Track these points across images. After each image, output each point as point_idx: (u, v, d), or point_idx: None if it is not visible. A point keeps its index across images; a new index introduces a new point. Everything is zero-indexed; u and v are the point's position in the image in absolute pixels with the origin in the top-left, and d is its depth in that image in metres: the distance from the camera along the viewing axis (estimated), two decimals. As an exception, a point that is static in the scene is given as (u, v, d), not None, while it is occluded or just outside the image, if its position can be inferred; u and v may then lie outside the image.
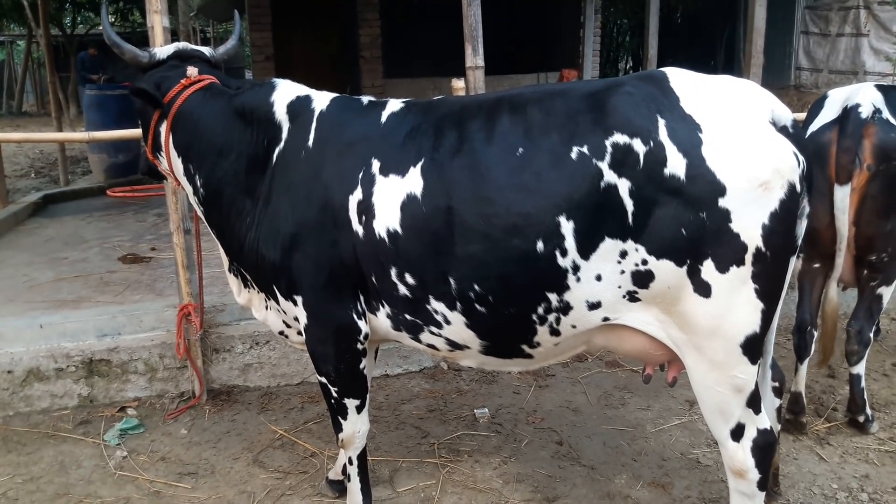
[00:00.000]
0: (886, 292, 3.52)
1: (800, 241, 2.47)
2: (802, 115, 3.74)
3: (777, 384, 2.82)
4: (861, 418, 3.67)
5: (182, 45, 2.93)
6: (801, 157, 2.31)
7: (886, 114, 3.33)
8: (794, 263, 2.52)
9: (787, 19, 15.97)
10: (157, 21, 3.76)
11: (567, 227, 2.31)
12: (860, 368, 3.63)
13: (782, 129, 2.34)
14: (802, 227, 2.45)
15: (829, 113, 3.49)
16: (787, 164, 2.26)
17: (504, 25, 12.91)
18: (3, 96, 24.63)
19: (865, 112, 3.31)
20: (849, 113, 3.35)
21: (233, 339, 4.16)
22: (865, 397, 3.68)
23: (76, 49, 19.00)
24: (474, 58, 4.15)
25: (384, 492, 3.29)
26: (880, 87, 3.49)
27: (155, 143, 2.92)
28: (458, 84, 4.24)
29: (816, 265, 3.59)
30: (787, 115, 2.39)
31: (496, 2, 12.67)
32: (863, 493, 3.22)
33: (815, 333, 3.66)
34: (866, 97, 3.38)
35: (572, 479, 3.36)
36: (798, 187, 2.29)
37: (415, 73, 12.31)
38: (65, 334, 4.09)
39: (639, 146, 2.26)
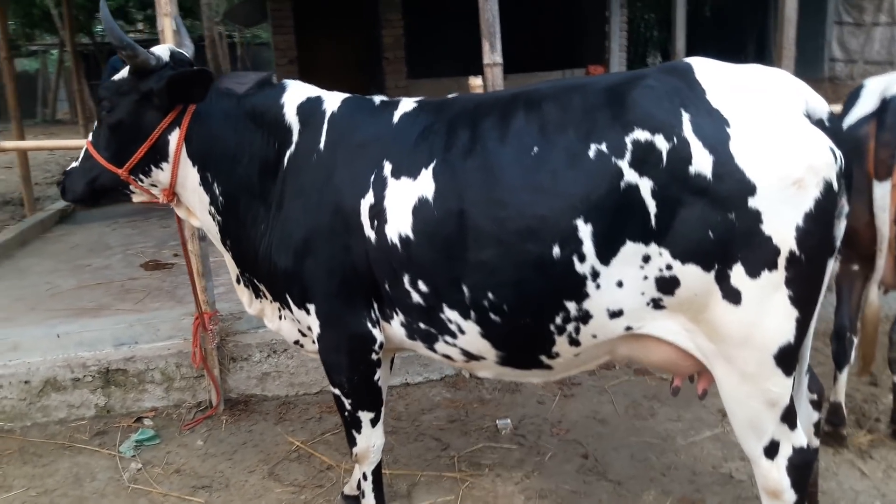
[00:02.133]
0: (932, 296, 3.33)
1: (838, 243, 2.31)
2: (838, 108, 3.54)
3: (815, 396, 2.65)
4: (905, 429, 3.48)
5: (172, 47, 2.83)
6: (838, 153, 2.14)
7: None
8: (832, 266, 2.35)
9: (820, 9, 15.55)
10: (167, 24, 3.69)
11: (585, 230, 2.17)
12: (903, 376, 3.44)
13: (818, 123, 2.18)
14: (841, 227, 2.28)
15: (866, 105, 3.29)
16: (822, 161, 2.10)
17: (528, 22, 12.77)
18: (37, 105, 25.05)
19: None
20: (888, 104, 3.16)
21: (250, 347, 4.08)
22: (911, 407, 3.49)
23: (106, 57, 19.25)
24: (492, 54, 4.04)
25: (402, 507, 3.19)
26: None
27: (152, 156, 2.71)
28: (476, 82, 4.13)
29: (855, 267, 3.40)
30: (822, 108, 2.23)
31: (522, -1, 12.59)
32: (909, 510, 3.04)
33: (855, 340, 3.46)
34: None
35: (598, 494, 3.22)
36: (835, 185, 2.12)
37: (438, 74, 12.19)
38: (82, 343, 4.05)
39: (661, 143, 2.12)
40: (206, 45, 14.95)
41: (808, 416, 2.62)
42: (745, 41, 19.34)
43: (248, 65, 23.37)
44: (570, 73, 13.26)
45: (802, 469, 2.31)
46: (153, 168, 2.74)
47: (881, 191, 3.11)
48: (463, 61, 10.42)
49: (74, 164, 2.83)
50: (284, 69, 12.31)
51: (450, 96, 2.67)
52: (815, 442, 2.68)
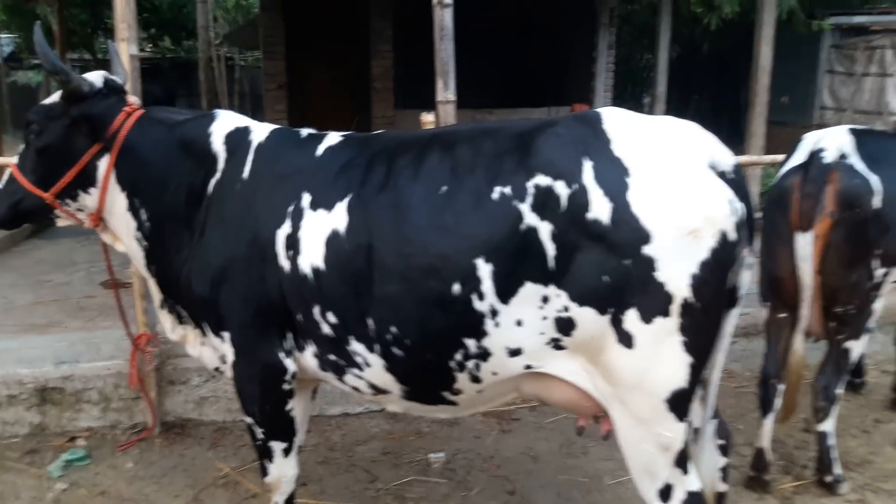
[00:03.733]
0: (855, 346, 3.37)
1: (742, 292, 2.36)
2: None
3: (723, 442, 2.68)
4: (829, 478, 3.49)
5: (106, 74, 2.88)
6: (738, 205, 2.20)
7: (854, 159, 3.20)
8: (734, 314, 2.39)
9: (812, 58, 15.80)
10: (124, 49, 3.76)
11: (485, 269, 2.22)
12: (827, 426, 3.47)
13: (721, 175, 2.24)
14: (744, 277, 2.33)
15: (797, 157, 3.37)
16: (720, 212, 2.15)
17: (517, 58, 12.96)
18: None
19: (830, 157, 3.20)
20: (813, 158, 3.24)
21: (189, 370, 4.10)
22: (834, 456, 3.50)
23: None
24: (445, 92, 4.12)
25: (321, 538, 3.19)
26: (854, 131, 3.37)
27: (80, 181, 2.74)
28: (428, 118, 4.19)
29: (782, 315, 3.45)
30: (727, 161, 2.29)
31: (510, 35, 12.79)
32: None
33: (780, 387, 3.50)
34: (833, 142, 3.26)
35: (518, 531, 3.23)
36: (733, 236, 2.17)
37: (424, 105, 12.31)
38: (21, 360, 4.06)
39: (561, 189, 2.18)
40: (202, 67, 15.12)
41: (714, 461, 2.64)
42: (740, 82, 19.61)
43: (245, 87, 23.56)
44: (557, 111, 13.43)
45: (694, 514, 2.34)
46: (80, 193, 2.77)
47: (803, 241, 3.17)
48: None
49: None
50: (273, 94, 12.44)
51: (375, 133, 2.73)
52: (723, 486, 2.70)
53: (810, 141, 3.38)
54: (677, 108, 16.14)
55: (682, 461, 2.31)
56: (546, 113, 13.38)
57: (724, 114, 16.42)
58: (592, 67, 13.23)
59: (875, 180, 3.13)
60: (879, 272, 3.22)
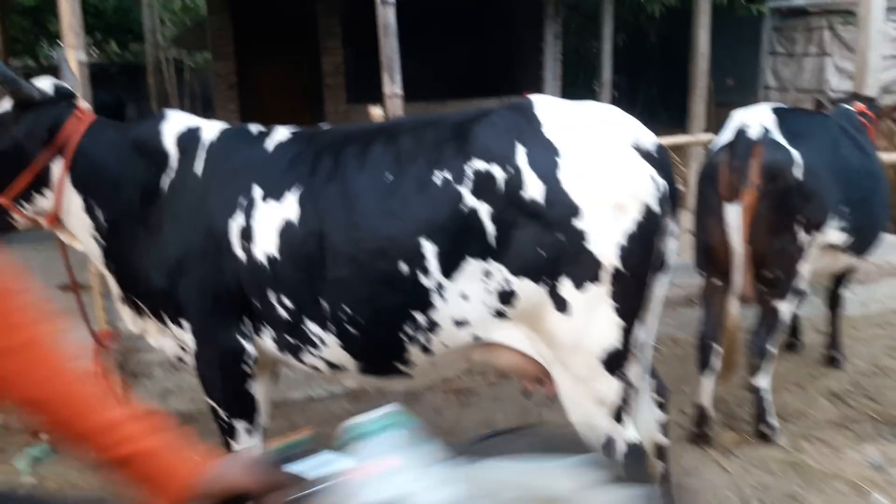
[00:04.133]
0: (784, 307, 3.61)
1: (669, 259, 2.56)
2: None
3: (661, 399, 2.89)
4: (765, 430, 3.74)
5: (56, 80, 2.95)
6: (660, 180, 2.40)
7: (776, 135, 3.43)
8: (664, 279, 2.59)
9: (755, 41, 16.29)
10: (72, 56, 3.82)
11: (430, 249, 2.39)
12: (762, 381, 3.71)
13: (646, 154, 2.44)
14: (671, 245, 2.54)
15: (726, 134, 3.60)
16: (643, 187, 2.35)
17: (467, 51, 13.12)
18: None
19: (754, 133, 3.43)
20: (740, 134, 3.47)
21: (152, 364, 4.18)
22: (769, 408, 3.75)
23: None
24: (391, 86, 4.26)
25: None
26: (777, 109, 3.61)
27: (35, 185, 2.79)
28: (376, 111, 4.33)
29: (716, 282, 3.68)
30: (650, 140, 2.50)
31: (460, 28, 12.94)
32: (754, 502, 3.29)
33: (717, 348, 3.73)
34: (756, 119, 3.49)
35: (478, 496, 3.39)
36: (655, 208, 2.37)
37: (377, 99, 12.39)
38: (-17, 362, 4.09)
39: (498, 172, 2.35)
40: (151, 71, 14.96)
41: (653, 417, 2.86)
42: (686, 67, 19.97)
43: (196, 89, 23.32)
44: (508, 99, 13.61)
45: (636, 462, 2.53)
46: (36, 196, 2.84)
47: (732, 212, 3.40)
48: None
49: None
50: (224, 94, 12.42)
51: (323, 128, 2.87)
52: (664, 440, 2.92)
53: (737, 120, 3.62)
54: (627, 93, 16.51)
55: (619, 415, 2.51)
56: (497, 103, 13.53)
57: (672, 97, 16.81)
58: (541, 57, 13.47)
59: (795, 154, 3.37)
60: (803, 238, 3.46)
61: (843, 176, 3.52)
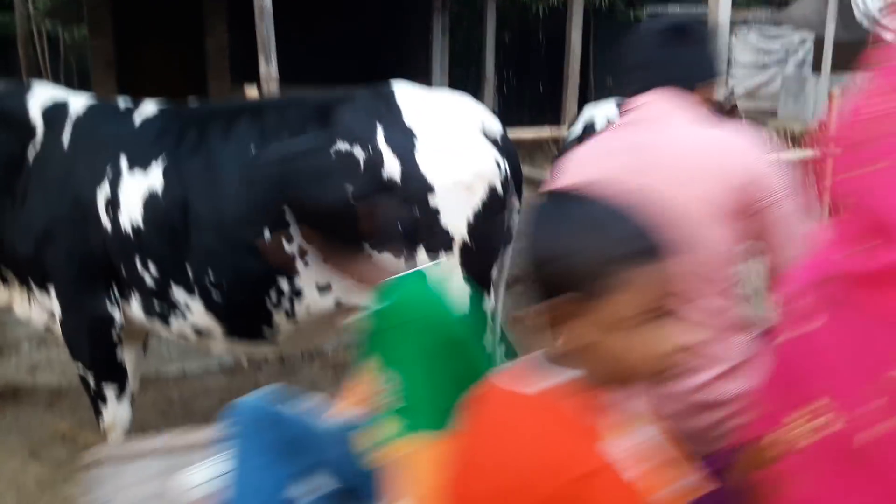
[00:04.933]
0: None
1: (513, 232, 2.87)
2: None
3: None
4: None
5: None
6: (503, 164, 2.70)
7: None
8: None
9: (633, 45, 17.14)
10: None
11: (292, 217, 2.57)
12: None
13: (492, 140, 2.74)
14: (513, 220, 2.85)
15: (576, 128, 3.97)
16: (488, 169, 2.65)
17: (355, 37, 13.21)
18: None
19: (600, 125, 3.80)
20: (587, 127, 3.84)
21: (19, 338, 4.15)
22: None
23: None
24: (267, 67, 4.40)
25: (160, 478, 3.42)
26: (620, 103, 4.00)
27: None
28: (252, 92, 4.45)
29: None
30: (496, 127, 2.81)
31: (347, 14, 13.01)
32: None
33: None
34: (603, 112, 3.87)
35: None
36: (499, 189, 2.68)
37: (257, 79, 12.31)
38: None
39: (359, 152, 2.58)
40: (21, 44, 14.13)
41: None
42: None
43: (72, 66, 22.16)
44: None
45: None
46: None
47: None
48: (281, 67, 10.69)
49: None
50: (102, 72, 11.97)
51: (190, 104, 2.99)
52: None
53: (586, 113, 4.00)
54: (514, 90, 17.07)
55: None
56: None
57: (554, 92, 17.57)
58: (429, 50, 13.74)
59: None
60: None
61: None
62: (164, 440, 2.34)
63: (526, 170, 8.08)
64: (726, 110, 4.89)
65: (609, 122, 3.83)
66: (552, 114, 12.12)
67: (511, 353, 3.21)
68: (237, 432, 1.69)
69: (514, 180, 2.81)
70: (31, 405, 4.07)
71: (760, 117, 9.79)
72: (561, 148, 4.02)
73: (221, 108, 2.87)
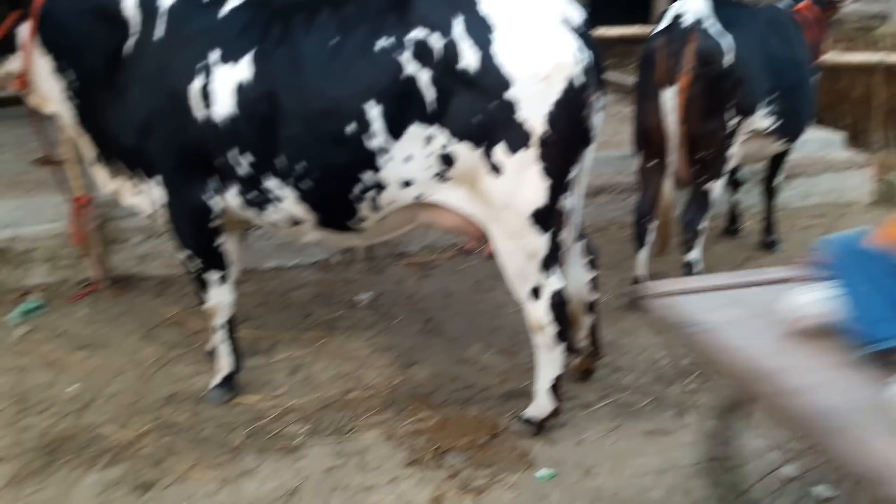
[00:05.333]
0: (714, 187, 3.94)
1: (595, 131, 2.86)
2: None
3: (590, 258, 3.23)
4: (695, 300, 4.14)
5: None
6: (583, 55, 2.66)
7: (709, 23, 3.66)
8: (589, 149, 2.90)
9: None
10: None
11: (374, 112, 2.65)
12: (693, 255, 4.07)
13: (574, 30, 2.69)
14: (596, 118, 2.82)
15: (664, 22, 3.83)
16: (568, 60, 2.62)
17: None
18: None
19: (688, 21, 3.66)
20: (674, 22, 3.70)
21: (128, 230, 4.44)
22: (700, 282, 4.14)
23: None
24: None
25: (260, 360, 3.69)
26: (712, 0, 3.82)
27: (4, 46, 2.96)
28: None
29: (653, 162, 3.99)
30: (577, 16, 2.75)
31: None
32: (684, 360, 3.71)
33: (652, 224, 4.09)
34: (692, 8, 3.72)
35: (432, 348, 3.80)
36: (580, 81, 2.64)
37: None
38: (-34, 225, 4.34)
39: (436, 41, 2.60)
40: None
41: (582, 274, 3.21)
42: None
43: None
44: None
45: (560, 307, 2.91)
46: (5, 57, 3.02)
47: (668, 95, 3.67)
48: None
49: None
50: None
51: None
52: (593, 296, 3.28)
53: (674, 9, 3.84)
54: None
55: (546, 266, 2.86)
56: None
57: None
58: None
59: (727, 41, 3.62)
60: (733, 121, 3.76)
61: (771, 65, 3.80)
62: (721, 279, 2.56)
63: (614, 75, 7.84)
64: (823, 5, 4.54)
65: (700, 19, 3.67)
66: (641, 12, 11.55)
67: (590, 249, 3.24)
68: (838, 263, 2.05)
69: (596, 74, 2.76)
70: (142, 293, 4.40)
71: (867, 22, 9.07)
72: (645, 45, 3.88)
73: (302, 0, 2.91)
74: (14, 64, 3.04)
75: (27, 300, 4.21)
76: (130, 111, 2.94)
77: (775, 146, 4.21)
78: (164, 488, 2.78)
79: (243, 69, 2.77)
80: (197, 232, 3.08)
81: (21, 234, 4.34)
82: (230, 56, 2.80)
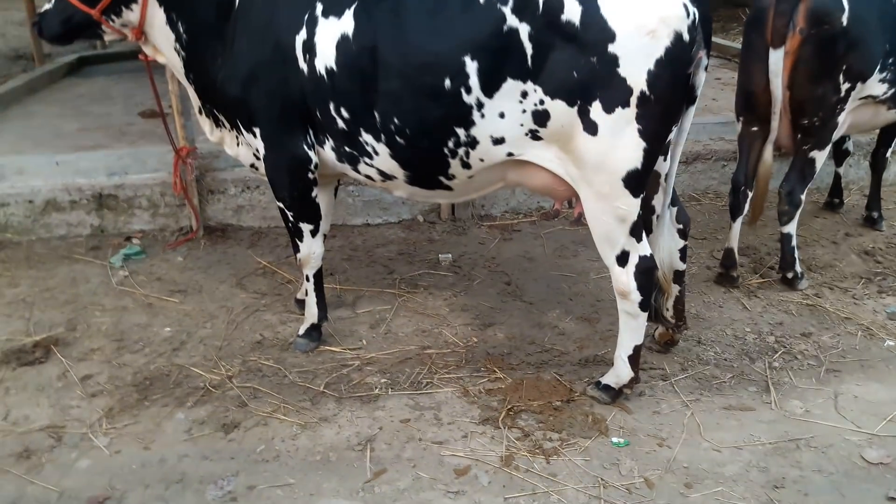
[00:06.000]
0: (819, 156, 3.73)
1: (698, 92, 2.73)
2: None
3: (682, 227, 3.13)
4: (790, 275, 3.96)
5: None
6: (692, 8, 2.52)
7: None
8: (691, 109, 2.77)
9: None
10: None
11: (471, 66, 2.60)
12: (790, 228, 3.89)
13: None
14: (699, 77, 2.69)
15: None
16: (674, 14, 2.48)
17: None
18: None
19: None
20: None
21: (226, 182, 4.60)
22: (796, 255, 3.96)
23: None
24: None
25: (345, 312, 3.78)
26: None
27: None
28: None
29: (754, 128, 3.80)
30: None
31: None
32: (770, 336, 3.57)
33: (749, 194, 3.91)
34: None
35: (511, 311, 3.79)
36: (686, 37, 2.51)
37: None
38: (78, 171, 4.60)
39: None
40: None
41: (673, 242, 3.11)
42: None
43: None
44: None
45: (646, 274, 2.83)
46: (124, 9, 3.15)
47: (775, 57, 3.47)
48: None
49: (48, 6, 3.22)
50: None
51: None
52: (681, 265, 3.18)
53: None
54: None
55: (636, 231, 2.78)
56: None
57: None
58: None
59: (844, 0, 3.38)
60: (844, 86, 3.53)
61: (890, 26, 3.51)
62: None
63: (717, 39, 7.49)
64: None
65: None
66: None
67: (682, 216, 3.13)
68: None
69: (703, 31, 2.62)
70: (237, 242, 4.57)
71: None
72: (755, 2, 3.66)
73: None
74: (132, 15, 3.17)
75: (129, 244, 4.44)
76: (236, 63, 3.03)
77: (889, 115, 3.91)
78: (246, 430, 2.91)
79: (346, 22, 2.79)
80: (293, 183, 3.15)
81: (126, 181, 4.57)
82: (335, 9, 2.82)
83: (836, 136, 3.73)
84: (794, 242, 3.94)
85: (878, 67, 3.55)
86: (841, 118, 3.64)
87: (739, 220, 3.97)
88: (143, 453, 2.80)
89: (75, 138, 5.52)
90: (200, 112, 3.41)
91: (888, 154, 4.63)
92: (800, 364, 3.36)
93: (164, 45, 3.25)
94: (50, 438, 2.88)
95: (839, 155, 4.80)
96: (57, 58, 8.88)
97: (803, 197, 3.84)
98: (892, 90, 3.68)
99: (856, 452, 2.80)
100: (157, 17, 3.18)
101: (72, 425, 2.96)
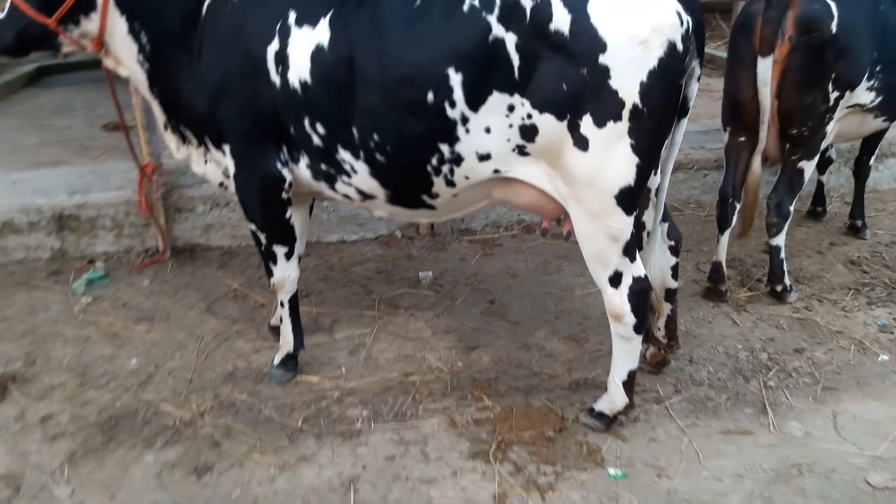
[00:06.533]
0: (807, 166, 3.64)
1: (691, 104, 2.61)
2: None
3: (673, 243, 3.01)
4: (779, 288, 3.87)
5: None
6: (685, 17, 2.39)
7: None
8: (682, 122, 2.65)
9: None
10: None
11: (456, 79, 2.45)
12: (779, 240, 3.80)
13: None
14: (691, 88, 2.57)
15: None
16: (667, 23, 2.36)
17: None
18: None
19: None
20: None
21: (194, 199, 4.40)
22: (784, 268, 3.87)
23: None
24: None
25: (322, 338, 3.60)
26: None
27: (81, 6, 2.87)
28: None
29: (742, 138, 3.70)
30: None
31: None
32: (763, 353, 3.46)
33: (738, 206, 3.81)
34: None
35: (496, 331, 3.64)
36: (680, 47, 2.39)
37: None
38: (37, 190, 4.37)
39: (526, 1, 2.37)
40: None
41: (665, 260, 3.00)
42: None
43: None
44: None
45: (640, 295, 2.70)
46: (82, 18, 2.92)
47: (764, 66, 3.37)
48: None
49: (0, 15, 2.97)
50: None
51: None
52: (673, 283, 3.06)
53: None
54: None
55: (629, 251, 2.64)
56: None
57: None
58: None
59: (832, 6, 3.29)
60: (833, 95, 3.44)
61: (879, 34, 3.44)
62: None
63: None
64: None
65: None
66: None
67: (673, 232, 3.02)
68: None
69: (697, 39, 2.50)
70: (206, 263, 4.37)
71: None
72: (742, 9, 3.56)
73: None
74: (91, 24, 2.96)
75: (92, 268, 4.22)
76: (203, 75, 2.84)
77: (875, 123, 3.84)
78: (220, 473, 2.72)
79: (321, 32, 2.62)
80: (266, 203, 2.98)
81: (89, 200, 4.35)
82: (309, 18, 2.65)
83: (823, 145, 3.64)
84: (782, 255, 3.85)
85: (867, 75, 3.47)
86: (829, 127, 3.56)
87: (727, 233, 3.86)
88: None
89: (34, 153, 5.29)
90: (166, 128, 3.21)
91: (871, 161, 4.57)
92: (795, 382, 3.25)
93: (126, 56, 3.04)
94: (7, 489, 2.67)
95: (822, 163, 4.73)
96: (15, 67, 8.58)
97: (792, 208, 3.75)
98: (879, 98, 3.60)
99: (860, 477, 2.69)
100: (119, 27, 2.96)
101: (31, 473, 2.74)
